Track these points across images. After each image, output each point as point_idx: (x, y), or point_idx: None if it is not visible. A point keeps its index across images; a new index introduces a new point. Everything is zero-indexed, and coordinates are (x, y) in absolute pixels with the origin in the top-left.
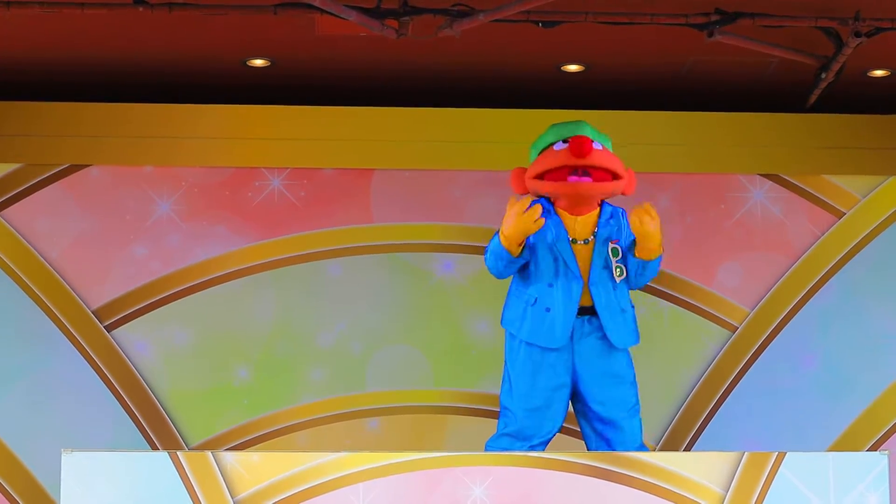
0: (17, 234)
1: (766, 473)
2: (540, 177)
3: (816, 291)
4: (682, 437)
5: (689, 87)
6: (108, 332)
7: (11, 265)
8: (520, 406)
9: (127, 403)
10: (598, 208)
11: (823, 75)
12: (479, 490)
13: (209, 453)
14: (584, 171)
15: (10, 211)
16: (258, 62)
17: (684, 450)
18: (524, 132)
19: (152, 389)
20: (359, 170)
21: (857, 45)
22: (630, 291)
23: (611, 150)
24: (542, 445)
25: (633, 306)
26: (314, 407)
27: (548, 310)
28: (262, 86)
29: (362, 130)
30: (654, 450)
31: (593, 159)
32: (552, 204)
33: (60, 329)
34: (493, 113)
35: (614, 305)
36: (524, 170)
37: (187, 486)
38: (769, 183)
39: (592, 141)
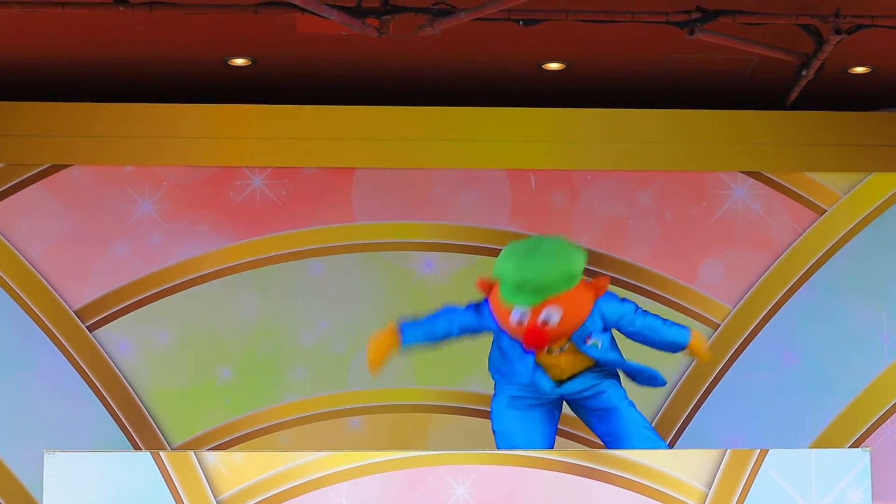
0: None
1: (749, 470)
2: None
3: (798, 289)
4: (664, 434)
5: (670, 84)
6: (90, 332)
7: None
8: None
9: (109, 403)
10: None
11: (804, 72)
12: (462, 489)
13: (192, 453)
14: None
15: None
16: (239, 61)
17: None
18: (506, 130)
19: (134, 389)
20: (340, 169)
21: (838, 42)
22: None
23: (578, 276)
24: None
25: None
26: (296, 406)
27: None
28: (244, 85)
29: (344, 129)
30: None
31: (549, 344)
32: None
33: (42, 329)
34: (475, 111)
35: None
36: (490, 283)
37: (170, 486)
38: (750, 180)
39: (547, 323)
